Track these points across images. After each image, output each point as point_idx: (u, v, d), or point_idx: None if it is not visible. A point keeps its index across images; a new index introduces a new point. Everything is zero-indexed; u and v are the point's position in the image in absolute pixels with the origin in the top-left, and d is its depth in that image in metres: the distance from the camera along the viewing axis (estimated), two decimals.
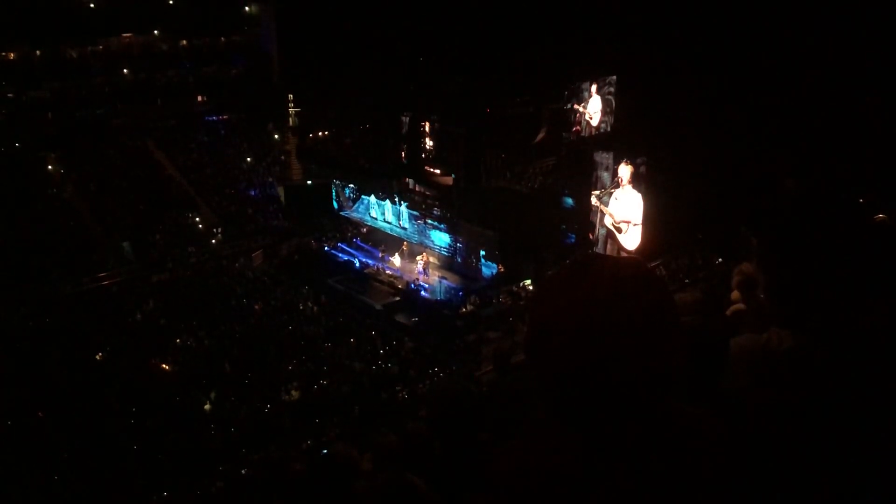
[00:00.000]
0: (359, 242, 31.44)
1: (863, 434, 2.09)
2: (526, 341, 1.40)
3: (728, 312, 4.27)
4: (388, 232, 30.16)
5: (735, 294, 4.46)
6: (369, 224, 31.46)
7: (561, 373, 1.34)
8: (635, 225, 21.10)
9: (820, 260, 2.74)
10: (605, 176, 22.12)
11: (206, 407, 18.96)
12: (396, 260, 28.46)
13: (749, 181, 18.76)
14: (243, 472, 14.01)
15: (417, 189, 29.14)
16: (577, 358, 1.31)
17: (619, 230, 21.64)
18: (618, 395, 1.31)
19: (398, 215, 29.63)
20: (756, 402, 2.37)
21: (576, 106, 24.61)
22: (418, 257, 27.70)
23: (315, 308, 25.86)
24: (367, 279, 28.21)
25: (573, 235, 24.48)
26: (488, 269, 26.04)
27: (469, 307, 24.13)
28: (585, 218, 23.16)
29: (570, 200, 25.09)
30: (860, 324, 2.44)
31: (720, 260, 18.57)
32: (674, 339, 1.35)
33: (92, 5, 38.20)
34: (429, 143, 29.84)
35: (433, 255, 27.99)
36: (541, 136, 26.86)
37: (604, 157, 22.21)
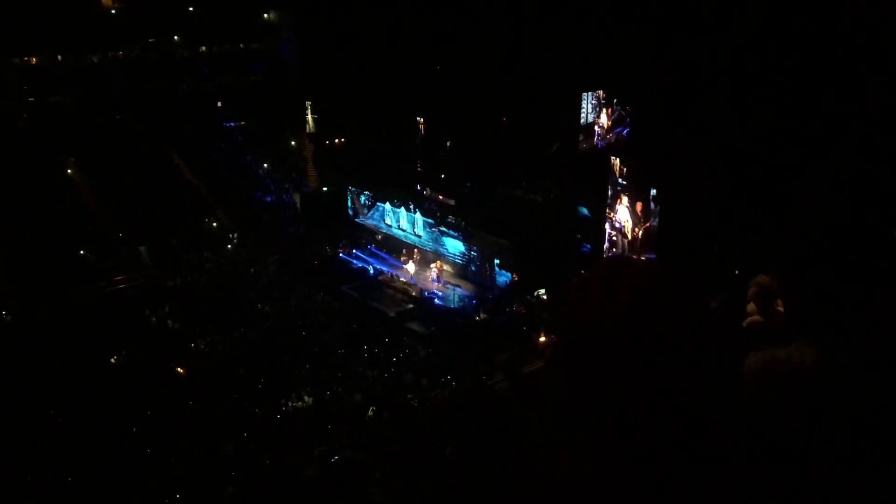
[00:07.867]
0: (373, 249, 31.50)
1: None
2: (557, 347, 1.38)
3: (744, 324, 4.22)
4: (403, 239, 30.19)
5: (751, 306, 4.40)
6: (384, 231, 31.51)
7: (592, 378, 1.32)
8: (646, 227, 21.11)
9: (844, 272, 2.69)
10: (619, 185, 22.09)
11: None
12: (410, 267, 28.47)
13: (767, 192, 18.65)
14: (255, 477, 14.03)
15: (432, 197, 29.15)
16: (609, 363, 1.29)
17: (627, 237, 21.65)
18: (648, 400, 1.29)
19: (413, 223, 29.65)
20: (782, 421, 2.32)
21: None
22: (432, 265, 27.67)
23: (328, 315, 25.89)
24: (380, 286, 28.23)
25: (588, 245, 24.41)
26: (502, 277, 25.96)
27: (483, 316, 24.06)
28: (600, 227, 23.11)
29: (584, 210, 25.05)
30: (886, 337, 2.38)
31: (737, 271, 18.42)
32: (705, 344, 1.33)
33: (113, 12, 38.69)
34: (445, 151, 29.93)
35: (447, 263, 27.97)
36: (556, 145, 26.88)
37: (618, 167, 22.18)
